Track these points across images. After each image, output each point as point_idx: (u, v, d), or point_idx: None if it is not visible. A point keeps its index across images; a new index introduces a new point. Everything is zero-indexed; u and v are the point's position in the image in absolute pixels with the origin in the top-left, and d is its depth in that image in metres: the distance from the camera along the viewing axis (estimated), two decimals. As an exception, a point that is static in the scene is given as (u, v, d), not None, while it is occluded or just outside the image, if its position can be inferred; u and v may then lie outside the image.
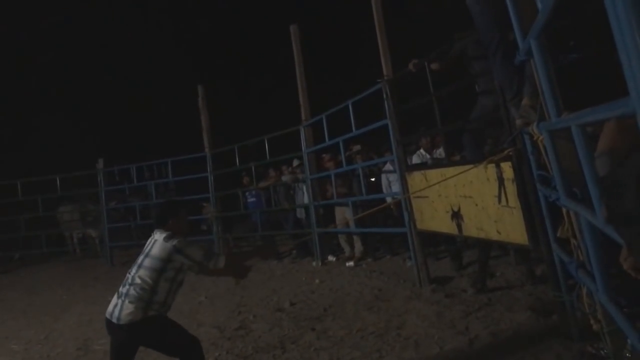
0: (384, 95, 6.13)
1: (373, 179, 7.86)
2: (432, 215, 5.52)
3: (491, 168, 4.16)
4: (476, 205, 4.54)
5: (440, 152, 6.58)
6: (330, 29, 18.41)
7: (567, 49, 2.55)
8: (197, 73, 16.97)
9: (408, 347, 4.06)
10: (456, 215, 4.95)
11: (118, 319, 3.12)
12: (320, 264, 8.03)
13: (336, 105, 7.30)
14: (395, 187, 6.94)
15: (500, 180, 4.08)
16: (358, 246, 8.04)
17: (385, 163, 7.45)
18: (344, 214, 8.05)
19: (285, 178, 9.21)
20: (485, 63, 4.15)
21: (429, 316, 4.69)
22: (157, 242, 3.29)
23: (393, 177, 7.10)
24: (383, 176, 7.46)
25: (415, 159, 6.89)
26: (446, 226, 5.21)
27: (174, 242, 3.24)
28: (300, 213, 8.93)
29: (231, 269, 3.53)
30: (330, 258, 8.28)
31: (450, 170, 4.81)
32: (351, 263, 7.66)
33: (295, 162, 8.97)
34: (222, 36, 21.45)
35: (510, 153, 3.88)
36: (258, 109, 18.84)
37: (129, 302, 3.13)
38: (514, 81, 3.37)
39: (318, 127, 7.99)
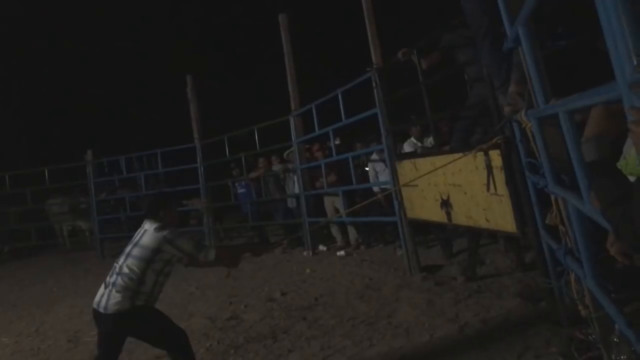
0: (374, 84, 6.11)
1: (367, 168, 7.86)
2: (421, 204, 5.53)
3: (480, 156, 4.16)
4: (465, 193, 4.55)
5: (431, 141, 6.59)
6: (320, 18, 18.33)
7: (555, 36, 2.55)
8: (186, 63, 16.84)
9: (399, 335, 4.08)
10: (445, 204, 4.96)
11: (105, 308, 3.11)
12: (311, 253, 8.04)
13: (326, 95, 7.27)
14: (382, 177, 6.95)
15: (489, 169, 4.09)
16: (353, 234, 8.03)
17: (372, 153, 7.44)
18: (333, 204, 8.05)
19: (276, 168, 9.19)
20: (474, 51, 4.14)
21: (420, 304, 4.71)
22: (147, 232, 3.28)
23: (380, 167, 7.10)
24: (370, 166, 7.45)
25: (406, 147, 6.89)
26: (436, 215, 5.21)
27: (165, 232, 3.23)
28: (291, 202, 8.91)
29: (222, 261, 3.53)
30: (321, 248, 8.28)
31: (439, 159, 4.81)
32: (342, 252, 7.67)
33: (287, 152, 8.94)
34: (211, 25, 21.31)
35: (499, 141, 3.88)
36: (247, 99, 18.76)
37: (116, 291, 3.12)
38: (502, 68, 3.37)
39: (308, 117, 7.96)
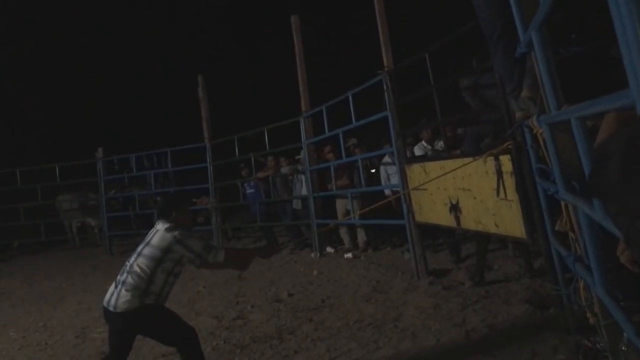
0: (384, 87, 6.11)
1: (373, 170, 7.85)
2: (430, 207, 5.52)
3: (490, 161, 4.15)
4: (475, 198, 4.53)
5: (441, 144, 6.57)
6: (331, 20, 18.34)
7: (568, 42, 2.54)
8: (198, 62, 16.88)
9: (405, 339, 4.07)
10: (454, 208, 4.95)
11: (115, 307, 3.14)
12: (318, 255, 8.04)
13: (336, 97, 7.28)
14: (394, 180, 6.94)
15: (499, 174, 4.08)
16: (362, 236, 8.03)
17: (384, 155, 7.43)
18: (346, 206, 8.04)
19: (284, 170, 9.19)
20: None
21: (426, 308, 4.70)
22: (158, 232, 3.33)
23: (392, 170, 7.09)
24: (382, 169, 7.45)
25: (417, 151, 6.88)
26: (444, 219, 5.20)
27: (175, 232, 3.27)
28: (297, 204, 8.91)
29: (231, 263, 3.55)
30: (329, 249, 8.28)
31: (449, 163, 4.80)
32: (350, 255, 7.67)
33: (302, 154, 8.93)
34: (223, 26, 21.37)
35: (510, 146, 3.87)
36: (258, 99, 18.79)
37: (126, 290, 3.15)
38: (514, 73, 3.35)
39: (318, 119, 7.96)
